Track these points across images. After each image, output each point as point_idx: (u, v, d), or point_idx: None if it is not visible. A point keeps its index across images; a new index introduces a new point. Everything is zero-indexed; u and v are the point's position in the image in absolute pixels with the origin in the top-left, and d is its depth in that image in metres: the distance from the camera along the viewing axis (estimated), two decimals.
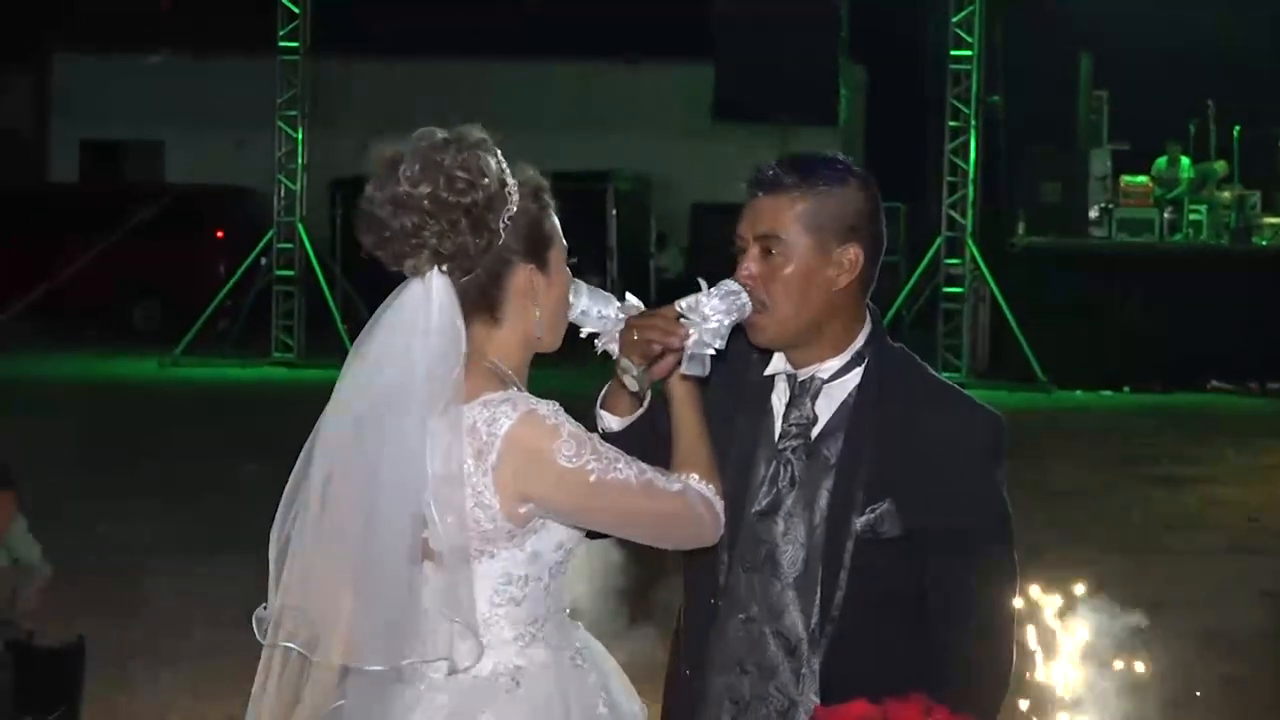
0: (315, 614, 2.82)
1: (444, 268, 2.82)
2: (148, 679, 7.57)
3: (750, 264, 3.05)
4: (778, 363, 3.13)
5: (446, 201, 2.79)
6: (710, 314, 2.97)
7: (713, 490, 2.94)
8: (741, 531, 3.08)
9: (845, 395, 3.08)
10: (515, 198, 2.86)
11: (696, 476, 2.93)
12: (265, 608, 2.86)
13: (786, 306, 3.04)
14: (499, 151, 2.88)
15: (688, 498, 2.90)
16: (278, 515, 2.88)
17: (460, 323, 2.83)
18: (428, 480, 2.79)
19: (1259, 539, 11.00)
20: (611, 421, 3.03)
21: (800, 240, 3.03)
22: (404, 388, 2.80)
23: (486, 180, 2.82)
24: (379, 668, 2.82)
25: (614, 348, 3.04)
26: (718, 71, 22.22)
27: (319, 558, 2.83)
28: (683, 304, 2.98)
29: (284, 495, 2.87)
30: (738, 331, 3.05)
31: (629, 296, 3.07)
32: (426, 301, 2.82)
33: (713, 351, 2.98)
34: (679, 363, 2.98)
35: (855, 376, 3.09)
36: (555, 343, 3.00)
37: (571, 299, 3.00)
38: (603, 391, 3.07)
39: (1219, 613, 8.54)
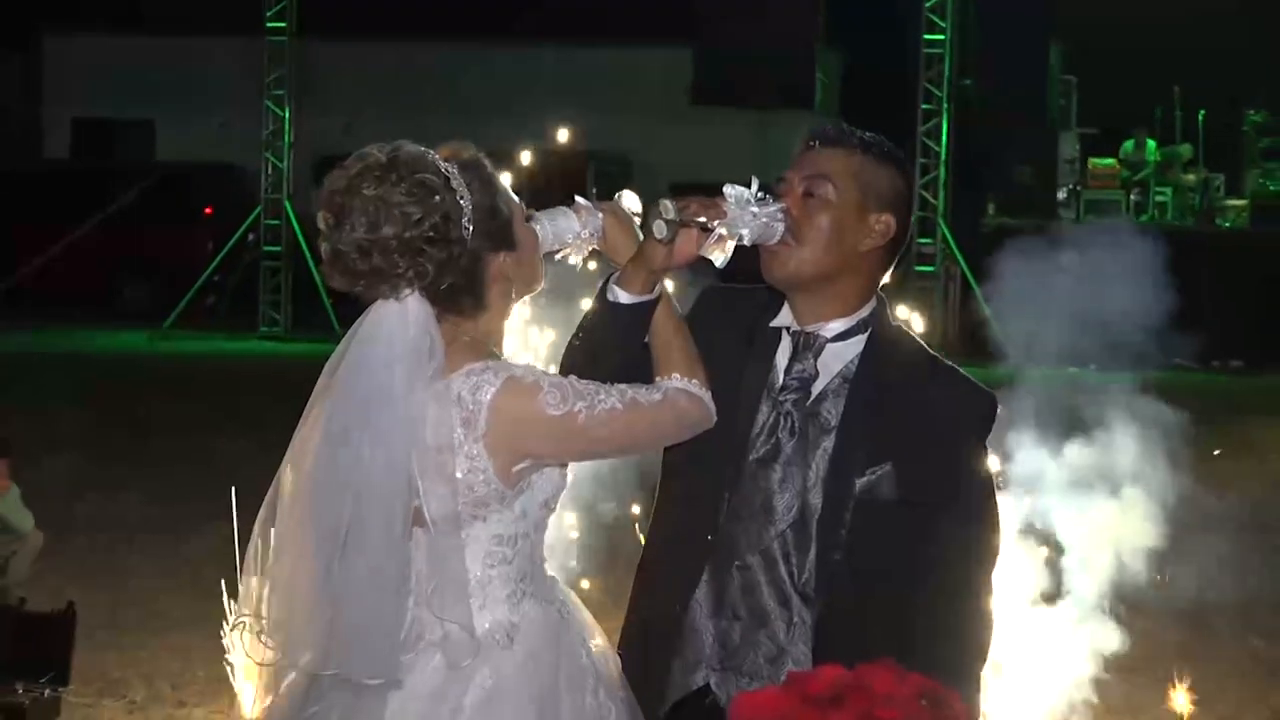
0: (296, 625, 2.88)
1: (421, 289, 2.87)
2: (136, 645, 7.65)
3: (789, 201, 3.13)
4: (785, 316, 3.20)
5: (408, 237, 2.82)
6: (750, 206, 3.06)
7: (695, 384, 3.03)
8: (742, 477, 3.14)
9: (848, 360, 3.15)
10: (466, 199, 2.88)
11: (677, 375, 3.02)
12: (237, 617, 2.88)
13: (813, 248, 3.12)
14: (435, 157, 2.89)
15: (671, 401, 2.99)
16: (253, 535, 2.95)
17: (436, 333, 2.88)
18: (413, 455, 2.85)
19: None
20: (622, 295, 3.06)
21: (848, 189, 3.12)
22: (383, 391, 2.85)
23: (437, 198, 2.84)
24: (375, 681, 2.86)
25: (585, 250, 3.12)
26: (696, 55, 22.34)
27: (301, 565, 2.88)
28: (730, 190, 3.07)
29: (259, 515, 2.93)
30: (755, 276, 3.18)
31: (576, 199, 3.11)
32: (404, 322, 2.86)
33: (739, 235, 3.05)
34: (699, 258, 3.07)
35: (858, 344, 3.16)
36: (539, 284, 3.08)
37: (539, 236, 3.05)
38: (617, 273, 3.11)
39: (1179, 587, 8.57)
